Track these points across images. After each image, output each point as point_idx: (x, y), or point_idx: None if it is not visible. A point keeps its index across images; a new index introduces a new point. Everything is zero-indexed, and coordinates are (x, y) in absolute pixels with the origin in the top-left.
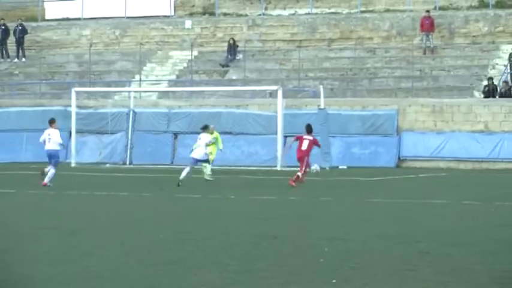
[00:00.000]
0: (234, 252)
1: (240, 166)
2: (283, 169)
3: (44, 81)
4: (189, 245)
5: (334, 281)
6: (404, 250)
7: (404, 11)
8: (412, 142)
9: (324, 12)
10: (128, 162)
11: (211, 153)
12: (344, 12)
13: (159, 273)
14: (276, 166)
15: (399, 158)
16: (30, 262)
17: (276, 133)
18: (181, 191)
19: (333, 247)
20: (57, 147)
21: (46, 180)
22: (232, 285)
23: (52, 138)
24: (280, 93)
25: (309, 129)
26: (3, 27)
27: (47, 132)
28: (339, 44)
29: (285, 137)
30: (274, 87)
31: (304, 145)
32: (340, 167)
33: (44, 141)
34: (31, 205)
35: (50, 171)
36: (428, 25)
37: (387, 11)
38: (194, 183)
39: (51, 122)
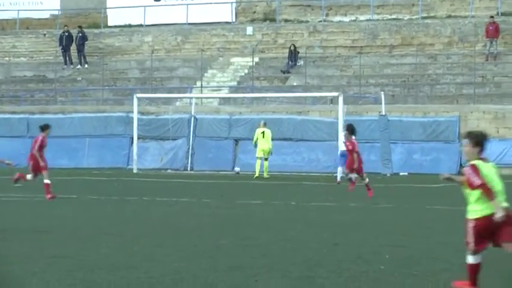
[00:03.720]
0: (295, 259)
1: (301, 172)
2: (343, 176)
3: (106, 88)
4: (250, 251)
5: None
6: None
7: (466, 17)
8: None
9: (385, 18)
10: (189, 168)
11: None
12: (405, 18)
13: (219, 279)
14: (335, 173)
15: (461, 164)
16: (90, 267)
17: (337, 139)
18: (241, 197)
19: (394, 254)
20: None
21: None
22: None
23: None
24: (341, 99)
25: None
26: (66, 33)
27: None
28: (400, 50)
29: None
30: (335, 94)
31: None
32: (401, 174)
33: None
34: (92, 211)
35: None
36: (492, 31)
37: (449, 17)
38: (254, 189)
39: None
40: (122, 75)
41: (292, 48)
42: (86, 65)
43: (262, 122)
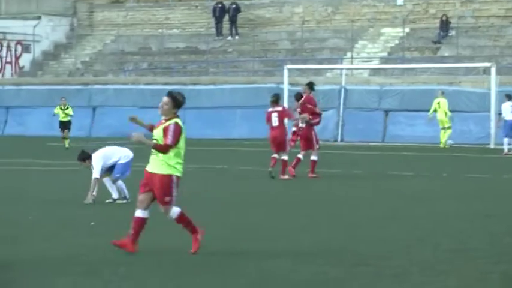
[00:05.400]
0: (447, 231)
1: (452, 144)
2: (497, 147)
3: (256, 59)
4: (401, 223)
5: None
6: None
7: None
8: None
9: None
10: (339, 140)
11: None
12: None
13: (369, 250)
14: (489, 144)
15: None
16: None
17: (489, 111)
18: (392, 169)
19: None
20: None
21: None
22: (445, 264)
23: None
24: (493, 70)
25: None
26: (220, 5)
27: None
28: None
29: (499, 114)
30: (487, 64)
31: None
32: None
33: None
34: (241, 181)
35: None
36: None
37: None
38: (405, 160)
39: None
40: (272, 47)
41: (443, 18)
42: (237, 37)
43: (440, 92)
